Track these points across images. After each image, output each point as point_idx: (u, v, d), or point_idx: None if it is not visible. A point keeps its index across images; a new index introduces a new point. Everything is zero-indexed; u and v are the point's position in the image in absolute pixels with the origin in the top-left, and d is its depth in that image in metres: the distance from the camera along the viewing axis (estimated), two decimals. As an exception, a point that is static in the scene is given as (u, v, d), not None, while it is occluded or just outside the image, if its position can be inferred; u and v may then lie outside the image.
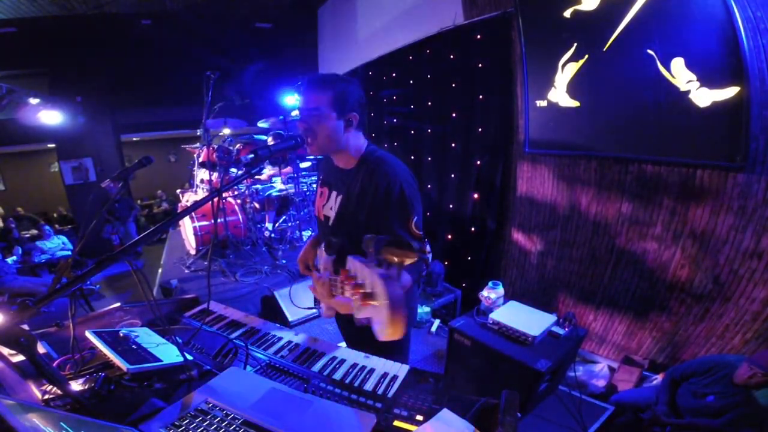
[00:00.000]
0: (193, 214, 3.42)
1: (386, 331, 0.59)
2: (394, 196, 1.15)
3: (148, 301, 1.02)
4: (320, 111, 1.16)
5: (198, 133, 4.24)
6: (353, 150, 1.26)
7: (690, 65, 2.04)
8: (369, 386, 1.05)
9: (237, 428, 0.84)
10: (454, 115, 3.64)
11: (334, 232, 1.20)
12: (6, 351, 1.07)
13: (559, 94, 2.73)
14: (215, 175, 3.77)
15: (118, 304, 1.53)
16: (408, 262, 0.70)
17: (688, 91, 2.06)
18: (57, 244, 6.48)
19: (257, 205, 4.07)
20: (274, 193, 4.16)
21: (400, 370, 1.11)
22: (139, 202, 9.95)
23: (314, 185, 4.25)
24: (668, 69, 2.11)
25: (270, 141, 3.89)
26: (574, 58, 2.59)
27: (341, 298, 1.03)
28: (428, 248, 1.18)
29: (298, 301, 2.60)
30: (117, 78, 7.73)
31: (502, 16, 3.04)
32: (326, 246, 1.19)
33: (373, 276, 0.61)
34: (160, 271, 3.80)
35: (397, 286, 0.59)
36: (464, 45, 3.40)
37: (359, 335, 1.39)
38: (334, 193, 1.32)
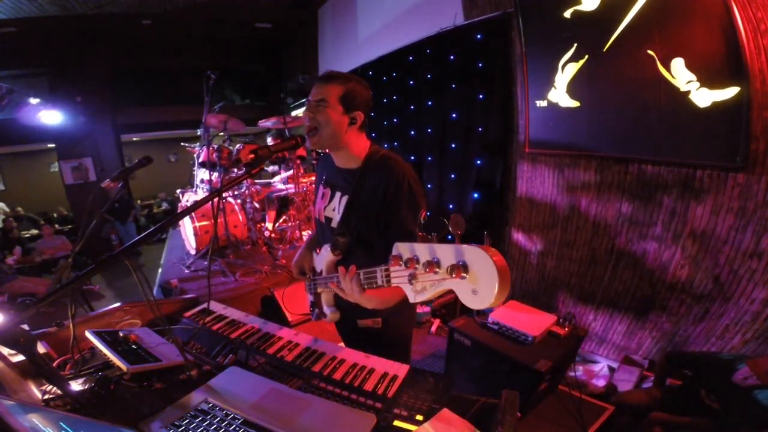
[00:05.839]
0: (193, 214, 3.41)
1: (494, 295, 0.56)
2: (404, 193, 1.17)
3: (148, 301, 1.02)
4: (328, 102, 1.18)
5: (198, 133, 4.23)
6: (357, 149, 1.27)
7: (690, 65, 2.04)
8: (369, 386, 1.05)
9: (237, 428, 0.84)
10: (454, 115, 3.63)
11: (340, 232, 1.20)
12: (6, 351, 1.07)
13: (559, 94, 2.73)
14: (215, 175, 3.77)
15: (118, 304, 1.53)
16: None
17: (688, 91, 2.06)
18: (57, 244, 6.48)
19: (257, 205, 4.07)
20: (274, 193, 4.16)
21: (400, 369, 1.11)
22: (139, 202, 9.95)
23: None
24: (668, 69, 2.11)
25: (270, 141, 3.89)
26: (574, 58, 2.59)
27: (372, 292, 0.96)
28: None
29: (292, 306, 2.58)
30: (117, 78, 7.74)
31: (502, 16, 3.05)
32: (332, 246, 1.19)
33: (462, 248, 0.61)
34: (160, 271, 3.79)
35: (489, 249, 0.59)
36: (464, 45, 3.40)
37: (358, 337, 1.40)
38: (338, 194, 1.32)
